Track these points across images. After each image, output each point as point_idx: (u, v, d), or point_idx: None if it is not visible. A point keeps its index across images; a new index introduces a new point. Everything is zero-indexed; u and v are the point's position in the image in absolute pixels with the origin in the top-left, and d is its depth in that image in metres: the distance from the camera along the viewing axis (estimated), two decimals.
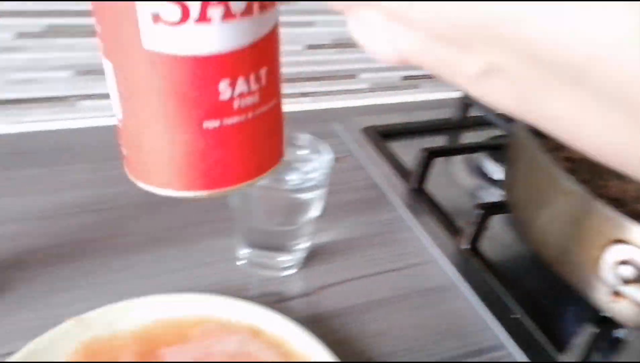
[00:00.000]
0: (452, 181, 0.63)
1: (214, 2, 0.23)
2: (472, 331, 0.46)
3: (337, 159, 0.64)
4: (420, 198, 0.58)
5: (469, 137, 0.71)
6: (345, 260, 0.51)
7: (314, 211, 0.46)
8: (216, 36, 0.24)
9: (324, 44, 0.67)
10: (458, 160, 0.66)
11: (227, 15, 0.24)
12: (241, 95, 0.26)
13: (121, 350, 0.39)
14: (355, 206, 0.58)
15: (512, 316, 0.46)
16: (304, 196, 0.44)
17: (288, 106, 0.70)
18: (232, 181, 0.28)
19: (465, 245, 0.52)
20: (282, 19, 0.67)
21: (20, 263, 0.46)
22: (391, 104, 0.76)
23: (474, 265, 0.51)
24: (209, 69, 0.24)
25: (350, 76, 0.71)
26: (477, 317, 0.47)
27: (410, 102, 0.77)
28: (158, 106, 0.25)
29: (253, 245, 0.47)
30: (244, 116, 0.26)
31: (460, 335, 0.46)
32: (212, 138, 0.26)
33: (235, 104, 0.26)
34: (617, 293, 0.36)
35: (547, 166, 0.40)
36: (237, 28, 0.24)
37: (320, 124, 0.69)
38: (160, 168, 0.27)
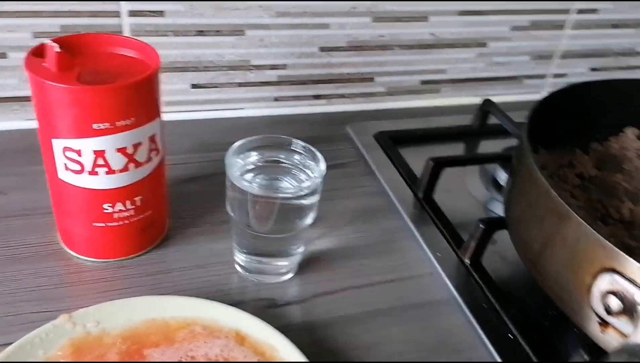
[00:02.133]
0: (465, 191, 0.62)
1: (101, 164, 0.42)
2: (464, 348, 0.45)
3: (346, 164, 0.64)
4: (427, 207, 0.57)
5: (487, 146, 0.69)
6: (344, 267, 0.51)
7: (309, 218, 0.46)
8: (100, 182, 0.43)
9: (339, 47, 0.67)
10: (472, 169, 0.65)
11: (109, 171, 0.43)
12: (120, 211, 0.45)
13: (108, 348, 0.40)
14: (360, 213, 0.57)
15: (508, 335, 0.45)
16: (299, 202, 0.44)
17: (301, 108, 0.71)
18: (116, 256, 0.48)
19: (466, 260, 0.51)
20: (296, 20, 0.68)
21: None
22: (409, 108, 0.75)
23: (474, 280, 0.50)
24: (96, 196, 0.44)
25: (367, 79, 0.70)
26: (472, 335, 0.46)
27: (430, 107, 0.75)
28: (71, 208, 0.46)
29: (248, 250, 0.47)
30: (122, 222, 0.46)
31: (452, 352, 0.45)
32: (100, 232, 0.46)
33: (115, 215, 0.46)
34: (605, 323, 0.35)
35: (542, 183, 0.38)
36: (116, 178, 0.44)
37: (333, 127, 0.68)
38: (78, 244, 0.48)
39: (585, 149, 0.55)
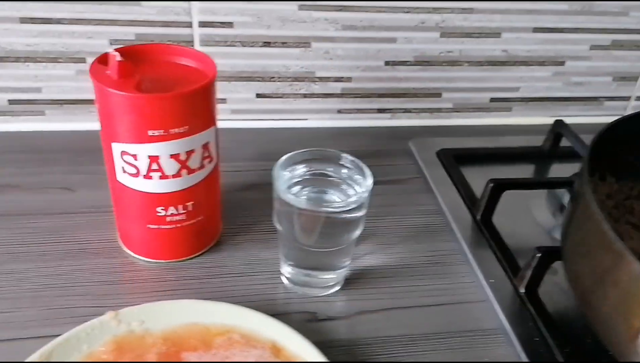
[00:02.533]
0: (529, 216, 0.59)
1: (155, 169, 0.44)
2: None
3: (405, 180, 0.63)
4: (485, 231, 0.55)
5: (558, 169, 0.65)
6: (391, 286, 0.50)
7: (355, 232, 0.46)
8: (154, 186, 0.45)
9: (405, 61, 0.66)
10: (539, 194, 0.61)
11: (163, 176, 0.45)
12: (172, 215, 0.47)
13: (149, 348, 0.41)
14: (415, 231, 0.56)
15: None
16: (344, 216, 0.44)
17: (364, 121, 0.71)
18: (168, 257, 0.50)
19: (521, 289, 0.48)
20: (363, 34, 0.68)
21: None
22: (478, 126, 0.72)
23: (527, 311, 0.47)
24: (150, 199, 0.46)
25: (434, 94, 0.69)
26: None
27: (501, 126, 0.73)
28: (127, 209, 0.48)
29: (294, 262, 0.47)
30: (174, 225, 0.48)
31: None
32: (153, 234, 0.48)
33: (167, 219, 0.47)
34: None
35: (597, 215, 0.35)
36: (169, 183, 0.45)
37: (396, 141, 0.67)
38: (134, 243, 0.50)
39: None
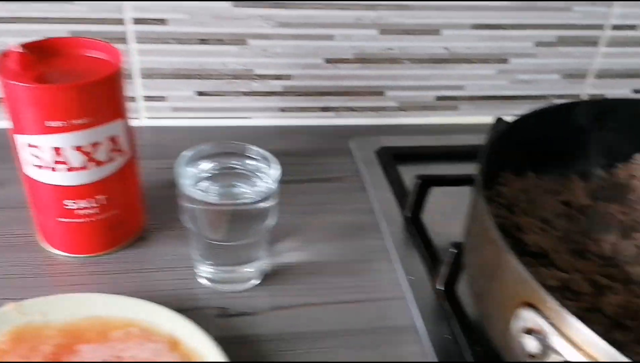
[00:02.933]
0: (463, 212, 0.58)
1: (60, 161, 0.44)
2: None
3: (341, 178, 0.62)
4: (413, 228, 0.54)
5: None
6: (309, 283, 0.49)
7: (266, 224, 0.45)
8: (61, 178, 0.45)
9: (345, 58, 0.65)
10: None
11: (70, 169, 0.45)
12: (83, 208, 0.47)
13: (45, 339, 0.41)
14: (342, 229, 0.55)
15: None
16: (253, 208, 0.44)
17: (308, 120, 0.70)
18: (84, 252, 0.50)
19: (438, 286, 0.47)
20: (299, 31, 0.67)
21: None
22: (424, 125, 0.71)
23: (443, 309, 0.46)
24: (58, 192, 0.46)
25: (377, 92, 0.68)
26: None
27: (447, 125, 0.72)
28: (38, 203, 0.48)
29: (209, 259, 0.47)
30: (86, 219, 0.48)
31: None
32: (65, 227, 0.48)
33: (78, 212, 0.47)
34: None
35: (481, 205, 0.35)
36: (76, 176, 0.45)
37: (340, 140, 0.67)
38: (50, 237, 0.50)
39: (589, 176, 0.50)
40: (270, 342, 0.44)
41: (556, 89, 0.70)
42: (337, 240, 0.54)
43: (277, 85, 0.66)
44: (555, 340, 0.28)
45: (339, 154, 0.65)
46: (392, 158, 0.63)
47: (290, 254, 0.52)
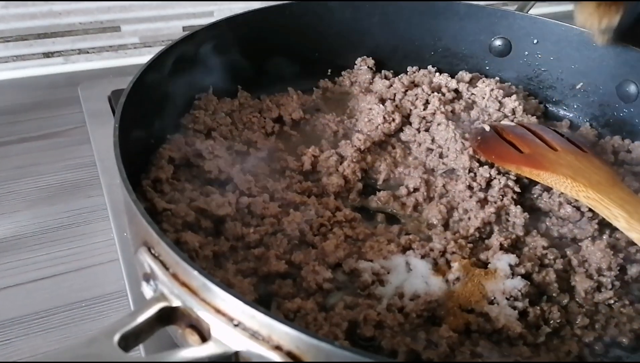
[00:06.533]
0: None
1: None
2: None
3: (63, 133, 0.53)
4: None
5: None
6: (7, 261, 0.40)
7: None
8: None
9: None
10: None
11: None
12: None
13: None
14: (54, 191, 0.46)
15: None
16: None
17: (30, 70, 0.58)
18: None
19: None
20: None
21: None
22: None
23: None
24: None
25: (112, 28, 0.58)
26: None
27: None
28: None
29: None
30: None
31: None
32: None
33: None
34: None
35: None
36: None
37: (69, 89, 0.56)
38: None
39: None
40: None
41: None
42: (42, 205, 0.45)
43: None
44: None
45: (66, 105, 0.55)
46: None
47: None
